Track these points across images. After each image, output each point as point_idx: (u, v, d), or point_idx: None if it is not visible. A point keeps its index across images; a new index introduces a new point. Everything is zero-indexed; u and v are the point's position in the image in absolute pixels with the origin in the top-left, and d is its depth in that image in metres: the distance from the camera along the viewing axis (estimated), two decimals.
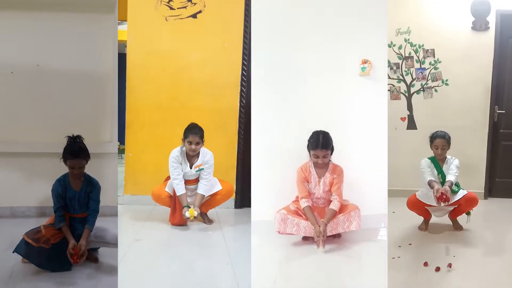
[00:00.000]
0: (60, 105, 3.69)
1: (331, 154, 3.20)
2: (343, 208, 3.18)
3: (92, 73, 3.72)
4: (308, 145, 3.21)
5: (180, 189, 3.68)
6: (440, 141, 3.66)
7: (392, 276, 2.70)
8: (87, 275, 2.66)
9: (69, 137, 2.83)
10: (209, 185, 3.75)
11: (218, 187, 3.82)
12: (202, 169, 3.72)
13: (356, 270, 2.96)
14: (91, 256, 2.87)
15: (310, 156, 3.20)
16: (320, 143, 3.11)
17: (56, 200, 2.82)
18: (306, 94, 3.40)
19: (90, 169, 2.90)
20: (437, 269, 2.89)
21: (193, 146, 3.63)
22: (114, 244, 2.82)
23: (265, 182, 3.35)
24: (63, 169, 2.83)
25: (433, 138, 3.71)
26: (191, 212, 3.53)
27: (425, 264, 3.00)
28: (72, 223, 2.84)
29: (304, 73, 3.39)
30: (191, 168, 3.72)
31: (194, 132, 3.63)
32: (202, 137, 3.67)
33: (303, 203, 3.15)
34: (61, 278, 2.63)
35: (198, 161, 3.73)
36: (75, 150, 2.79)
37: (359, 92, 3.41)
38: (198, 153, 3.72)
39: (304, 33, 3.39)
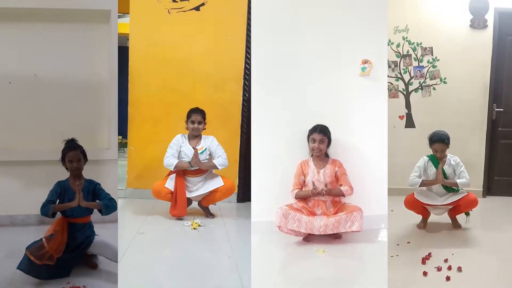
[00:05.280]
0: (59, 113, 3.73)
1: (328, 145, 3.29)
2: (345, 208, 3.19)
3: (90, 82, 3.76)
4: (308, 136, 3.31)
5: (172, 162, 3.72)
6: (439, 146, 3.64)
7: (391, 274, 2.70)
8: (86, 282, 2.66)
9: (66, 140, 2.90)
10: (224, 161, 3.78)
11: (220, 183, 3.82)
12: (206, 149, 3.78)
13: (356, 271, 2.96)
14: (91, 262, 2.87)
15: (309, 146, 3.30)
16: (319, 128, 3.26)
17: (50, 195, 2.82)
18: (306, 94, 3.39)
19: (89, 176, 2.92)
20: (439, 268, 2.90)
21: (195, 125, 3.74)
22: (114, 261, 2.82)
23: (265, 182, 3.34)
24: (62, 176, 2.88)
25: (432, 141, 3.67)
26: (194, 225, 3.58)
27: (424, 262, 3.01)
28: (72, 231, 2.81)
29: (304, 73, 3.38)
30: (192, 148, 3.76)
31: (196, 112, 3.75)
32: (204, 117, 3.77)
33: (294, 191, 3.27)
34: (60, 284, 2.62)
35: (201, 145, 3.79)
36: (72, 144, 2.87)
37: (359, 92, 3.40)
38: (200, 137, 3.81)
39: (304, 33, 3.38)
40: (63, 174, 2.89)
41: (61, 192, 2.84)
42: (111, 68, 3.70)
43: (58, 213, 2.83)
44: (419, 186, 3.66)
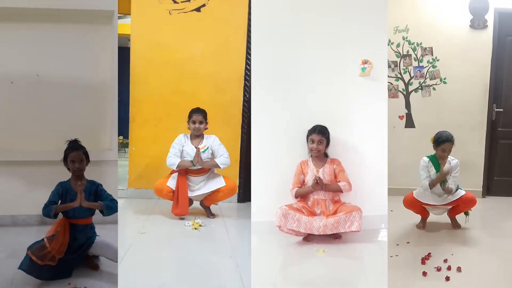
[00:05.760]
0: (60, 114, 3.75)
1: (327, 145, 3.30)
2: (344, 208, 3.20)
3: (92, 83, 3.79)
4: (307, 136, 3.32)
5: (175, 161, 3.74)
6: (448, 145, 3.62)
7: (391, 274, 2.71)
8: (87, 283, 2.67)
9: (69, 140, 2.91)
10: (226, 160, 3.80)
11: (221, 183, 3.84)
12: (208, 148, 3.80)
13: (356, 271, 2.97)
14: (92, 263, 2.88)
15: (308, 146, 3.32)
16: (317, 129, 3.28)
17: (51, 195, 2.82)
18: (306, 94, 3.40)
19: (90, 176, 2.94)
20: (439, 269, 2.90)
21: (197, 125, 3.76)
22: (115, 261, 2.83)
23: (265, 182, 3.36)
24: (64, 177, 2.89)
25: (440, 142, 3.64)
26: (195, 225, 3.60)
27: (423, 262, 3.01)
28: (73, 232, 2.82)
29: (304, 73, 3.39)
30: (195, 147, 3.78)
31: (197, 112, 3.78)
32: (205, 117, 3.80)
33: (294, 189, 3.29)
34: (61, 285, 2.64)
35: (203, 144, 3.82)
36: (75, 144, 2.88)
37: (359, 92, 3.41)
38: (202, 137, 3.84)
39: (304, 33, 3.39)
40: (65, 174, 2.90)
41: (63, 192, 2.85)
42: (112, 69, 3.72)
43: (60, 213, 2.84)
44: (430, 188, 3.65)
